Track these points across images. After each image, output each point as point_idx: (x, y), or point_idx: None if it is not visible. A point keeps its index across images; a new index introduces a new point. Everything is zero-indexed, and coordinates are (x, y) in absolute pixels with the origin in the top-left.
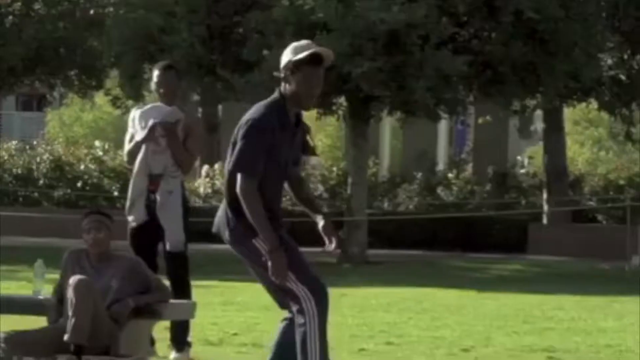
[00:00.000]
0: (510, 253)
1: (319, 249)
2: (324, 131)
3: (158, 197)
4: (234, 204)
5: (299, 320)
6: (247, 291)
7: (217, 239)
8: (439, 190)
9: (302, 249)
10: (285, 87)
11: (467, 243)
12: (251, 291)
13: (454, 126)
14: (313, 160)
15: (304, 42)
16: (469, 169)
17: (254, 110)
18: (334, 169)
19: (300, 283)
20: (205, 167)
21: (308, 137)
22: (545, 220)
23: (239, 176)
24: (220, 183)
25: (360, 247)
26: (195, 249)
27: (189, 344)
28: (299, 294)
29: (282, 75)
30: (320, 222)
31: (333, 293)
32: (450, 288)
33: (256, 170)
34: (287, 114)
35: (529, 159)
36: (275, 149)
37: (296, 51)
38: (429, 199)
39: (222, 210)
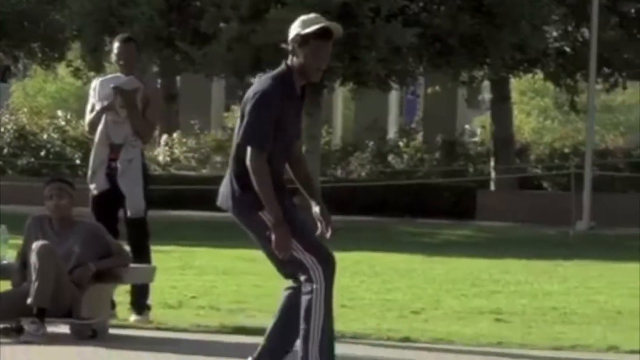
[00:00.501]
0: (458, 219)
1: None
2: None
3: (119, 166)
4: (240, 177)
5: (306, 288)
6: (204, 256)
7: (176, 205)
8: (390, 158)
9: None
10: (292, 60)
11: (417, 209)
12: (208, 256)
13: (405, 96)
14: None
15: (312, 15)
16: (419, 137)
17: (260, 83)
18: None
19: (307, 252)
20: (165, 137)
21: None
22: (492, 187)
23: (248, 150)
24: (178, 152)
25: None
26: (155, 216)
27: (148, 307)
28: (307, 263)
29: (289, 47)
30: (315, 208)
31: None
32: (401, 253)
33: (266, 143)
34: (294, 85)
35: (482, 128)
36: (282, 120)
37: (305, 24)
38: (380, 167)
39: (226, 182)
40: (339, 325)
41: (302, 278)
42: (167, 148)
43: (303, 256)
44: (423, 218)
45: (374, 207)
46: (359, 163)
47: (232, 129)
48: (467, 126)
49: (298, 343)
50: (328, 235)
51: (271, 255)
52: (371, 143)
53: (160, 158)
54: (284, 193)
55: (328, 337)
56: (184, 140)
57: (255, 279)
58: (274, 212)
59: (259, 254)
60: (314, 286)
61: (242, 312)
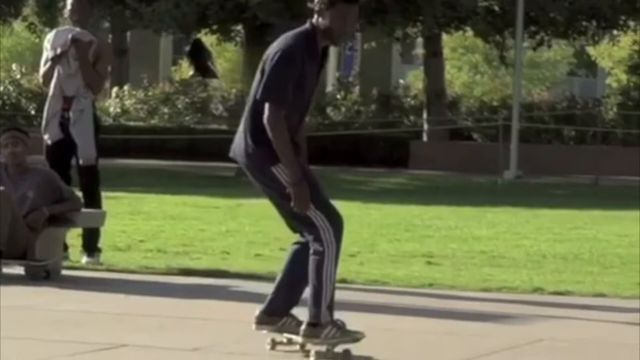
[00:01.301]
0: (393, 168)
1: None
2: (224, 56)
3: (71, 116)
4: (254, 132)
5: (316, 247)
6: (152, 202)
7: (126, 154)
8: (329, 110)
9: (202, 163)
10: (318, 20)
11: (354, 158)
12: (156, 202)
13: (343, 51)
14: (214, 82)
15: None
16: (356, 90)
17: (283, 41)
18: (233, 90)
19: (318, 210)
20: (115, 89)
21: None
22: (425, 138)
23: (266, 106)
24: (128, 103)
25: None
26: (105, 163)
27: (99, 250)
28: (317, 223)
29: (316, 8)
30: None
31: (231, 203)
32: (339, 199)
33: (285, 101)
34: (316, 45)
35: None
36: (302, 79)
37: None
38: (319, 119)
39: (240, 136)
40: (278, 267)
41: (311, 237)
42: (117, 100)
43: (314, 214)
44: (360, 167)
45: (314, 157)
46: None
47: (179, 82)
48: (401, 80)
49: (305, 295)
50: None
51: (281, 209)
52: None
53: (111, 109)
54: (298, 150)
55: (333, 294)
56: (134, 92)
57: (200, 224)
58: (292, 169)
59: (204, 200)
60: (325, 247)
61: (187, 255)
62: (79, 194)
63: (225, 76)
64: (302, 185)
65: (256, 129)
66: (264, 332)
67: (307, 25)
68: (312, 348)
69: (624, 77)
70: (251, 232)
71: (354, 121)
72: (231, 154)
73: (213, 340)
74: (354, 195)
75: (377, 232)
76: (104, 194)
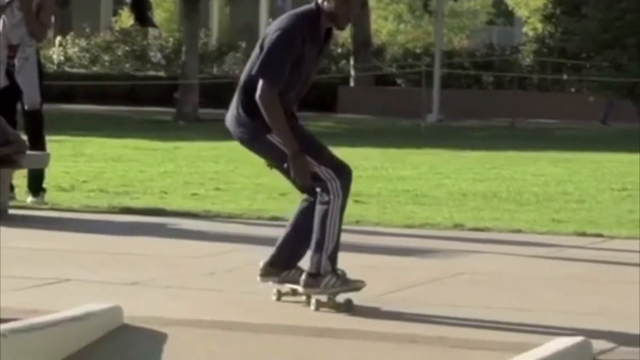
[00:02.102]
0: (322, 112)
1: (156, 108)
2: (162, 7)
3: (16, 63)
4: (245, 103)
5: (323, 198)
6: (94, 145)
7: (69, 99)
8: None
9: (141, 108)
10: (323, 3)
11: None
12: (98, 145)
13: (275, 2)
14: (155, 32)
15: None
16: None
17: (285, 19)
18: (170, 39)
19: (323, 166)
20: (59, 38)
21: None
22: (352, 84)
23: (260, 82)
24: (71, 52)
25: (193, 106)
26: (49, 109)
27: (44, 190)
28: (324, 176)
29: None
30: None
31: (169, 146)
32: None
33: (279, 80)
34: (319, 28)
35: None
36: (300, 59)
37: None
38: None
39: (232, 106)
40: (215, 207)
41: (319, 189)
42: (61, 48)
43: (319, 169)
44: None
45: None
46: (233, 62)
47: (120, 32)
48: None
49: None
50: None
51: (285, 173)
52: (244, 44)
53: (55, 57)
54: (294, 119)
55: (336, 245)
56: (77, 41)
57: (140, 165)
58: (289, 142)
59: (143, 143)
60: (331, 197)
61: (127, 195)
62: (24, 137)
63: (163, 25)
64: (300, 156)
65: (248, 102)
66: (269, 283)
67: (312, 5)
68: (313, 297)
69: (539, 25)
70: (188, 173)
71: None
72: (227, 124)
73: (151, 274)
74: None
75: None
76: (48, 138)
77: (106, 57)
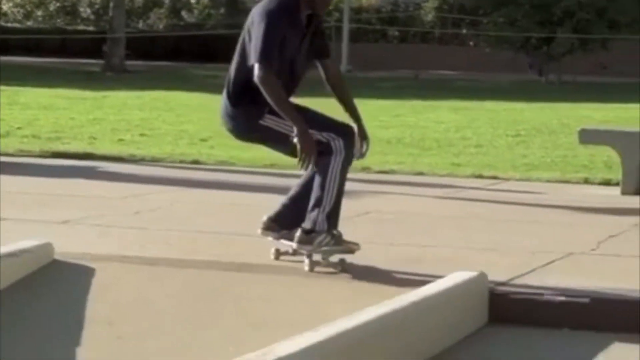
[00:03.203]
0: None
1: (86, 60)
2: None
3: None
4: (234, 97)
5: (325, 158)
6: (28, 94)
7: (4, 52)
8: (183, 13)
9: (72, 60)
10: None
11: (205, 56)
12: (31, 94)
13: None
14: None
15: None
16: None
17: (266, 5)
18: None
19: (325, 132)
20: None
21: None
22: None
23: (255, 67)
24: (6, 7)
25: (120, 58)
26: None
27: None
28: (325, 139)
29: None
30: (354, 126)
31: (97, 95)
32: (193, 92)
33: (272, 59)
34: (299, 14)
35: None
36: (283, 43)
37: None
38: (175, 20)
39: (222, 104)
40: (139, 151)
41: (320, 148)
42: None
43: (320, 136)
44: (210, 63)
45: (170, 54)
46: (158, 17)
47: None
48: None
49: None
50: (363, 151)
51: (285, 151)
52: (167, 0)
53: None
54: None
55: (336, 206)
56: None
57: (71, 113)
58: (296, 120)
59: (73, 93)
60: (333, 154)
61: (59, 140)
62: None
63: None
64: (308, 134)
65: (235, 93)
66: (269, 239)
67: None
68: (307, 258)
69: None
70: (115, 120)
71: (205, 23)
72: (221, 123)
73: (81, 214)
74: (205, 88)
75: None
76: None
77: (39, 13)
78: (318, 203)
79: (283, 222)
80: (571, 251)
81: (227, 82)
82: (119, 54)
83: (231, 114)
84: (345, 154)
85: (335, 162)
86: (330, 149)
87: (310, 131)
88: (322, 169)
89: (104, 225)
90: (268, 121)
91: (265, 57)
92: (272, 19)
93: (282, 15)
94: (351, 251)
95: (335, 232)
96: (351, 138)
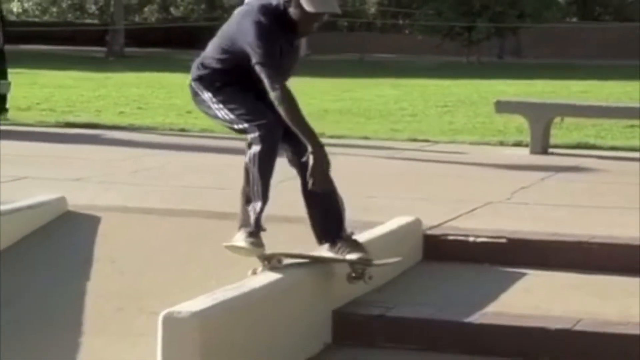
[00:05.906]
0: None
1: (92, 48)
2: None
3: None
4: (195, 72)
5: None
6: (45, 76)
7: (27, 41)
8: (172, 8)
9: (81, 48)
10: (289, 7)
11: (189, 43)
12: (48, 76)
13: None
14: None
15: None
16: None
17: (259, 10)
18: None
19: (243, 118)
20: None
21: None
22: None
23: (265, 72)
24: (27, 5)
25: (120, 46)
26: (10, 48)
27: (6, 110)
28: (243, 126)
29: None
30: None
31: (101, 77)
32: (180, 72)
33: (276, 61)
34: (286, 23)
35: None
36: (281, 49)
37: None
38: (165, 14)
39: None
40: (137, 121)
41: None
42: (19, 2)
43: (239, 120)
44: (193, 50)
45: (161, 42)
46: (150, 12)
47: None
48: None
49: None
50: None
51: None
52: None
53: (15, 9)
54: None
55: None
56: None
57: (80, 91)
58: (310, 136)
59: (82, 75)
60: (252, 148)
61: (71, 113)
62: None
63: None
64: (324, 150)
65: (197, 69)
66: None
67: (279, 3)
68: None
69: None
70: (116, 96)
71: (189, 16)
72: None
73: (89, 173)
74: (190, 69)
75: None
76: (10, 70)
77: (54, 9)
78: (248, 202)
79: (321, 238)
80: (490, 200)
81: (195, 63)
82: (119, 42)
83: (194, 91)
84: (262, 148)
85: (254, 157)
86: (250, 142)
87: (232, 117)
88: (245, 165)
89: (108, 182)
90: (206, 96)
91: (272, 62)
92: (268, 25)
93: (275, 25)
94: (260, 256)
95: (256, 229)
96: (268, 130)
